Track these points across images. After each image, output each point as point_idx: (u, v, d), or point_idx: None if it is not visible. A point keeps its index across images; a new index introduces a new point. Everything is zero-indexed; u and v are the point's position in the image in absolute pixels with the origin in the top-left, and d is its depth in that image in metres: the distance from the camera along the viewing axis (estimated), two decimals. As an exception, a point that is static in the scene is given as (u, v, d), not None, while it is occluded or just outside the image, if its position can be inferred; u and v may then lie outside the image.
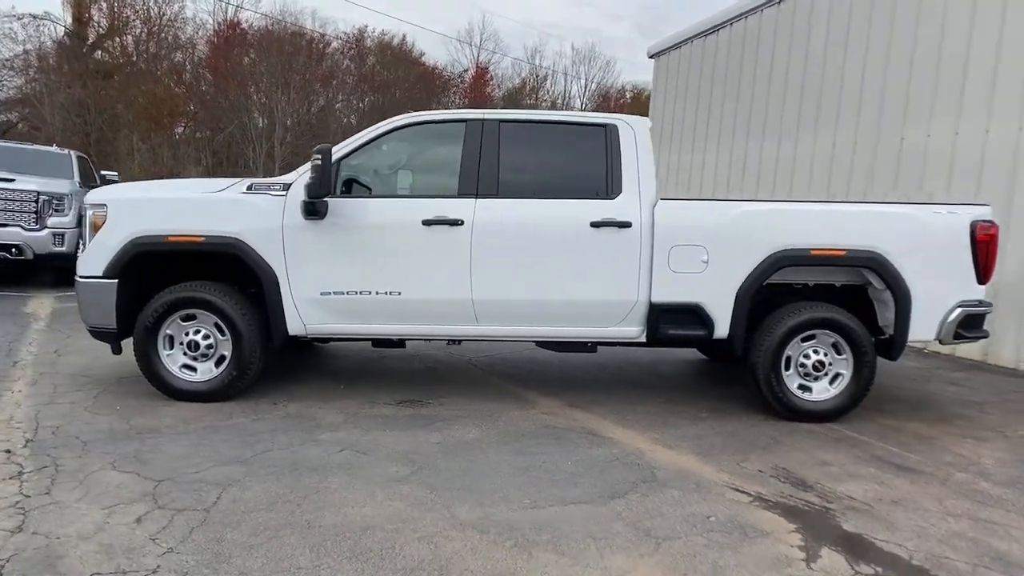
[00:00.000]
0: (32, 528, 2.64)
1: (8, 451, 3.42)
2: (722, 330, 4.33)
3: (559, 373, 5.50)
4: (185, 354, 4.32)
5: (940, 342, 4.43)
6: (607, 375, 5.50)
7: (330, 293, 4.27)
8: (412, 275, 4.26)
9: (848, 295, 4.61)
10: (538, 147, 4.42)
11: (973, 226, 4.29)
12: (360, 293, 4.27)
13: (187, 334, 4.31)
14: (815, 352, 4.36)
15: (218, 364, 4.34)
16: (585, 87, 41.20)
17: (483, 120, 4.38)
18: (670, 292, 4.29)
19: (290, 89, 27.97)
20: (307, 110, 29.72)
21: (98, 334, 4.38)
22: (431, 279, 4.27)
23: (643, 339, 4.44)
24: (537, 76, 39.57)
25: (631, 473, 3.41)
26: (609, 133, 4.39)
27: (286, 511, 2.86)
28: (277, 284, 4.22)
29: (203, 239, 4.19)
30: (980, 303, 4.36)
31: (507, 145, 4.33)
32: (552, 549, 2.62)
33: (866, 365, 4.33)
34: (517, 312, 4.33)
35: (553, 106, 39.70)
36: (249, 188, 4.27)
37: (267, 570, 2.41)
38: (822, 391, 4.39)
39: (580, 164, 4.39)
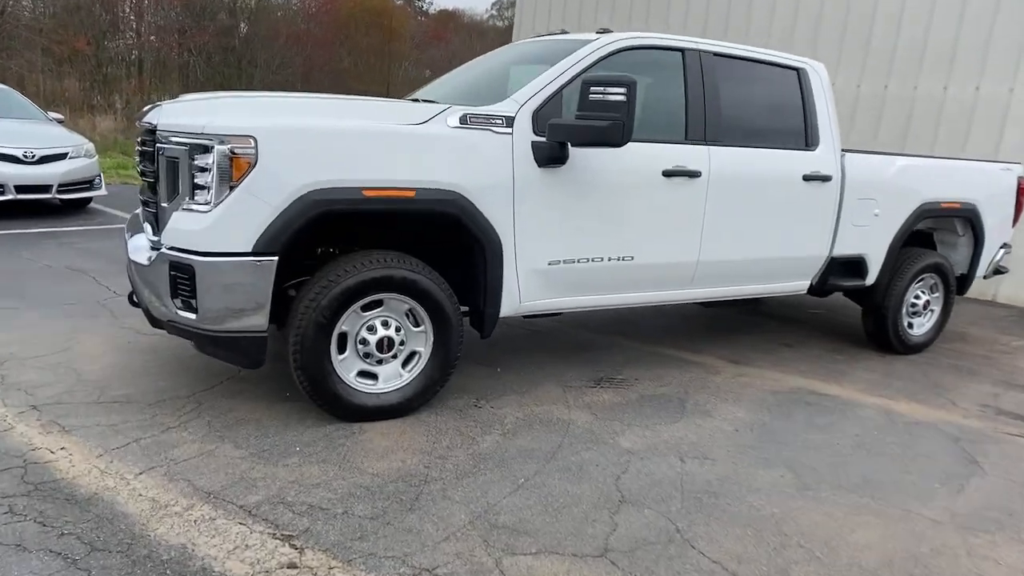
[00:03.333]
0: None
1: (293, 566, 2.07)
2: (871, 278, 4.57)
3: (653, 325, 5.16)
4: (367, 357, 3.03)
5: (984, 277, 5.34)
6: (691, 323, 5.35)
7: (559, 262, 3.35)
8: (647, 236, 3.56)
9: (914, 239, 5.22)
10: (745, 87, 3.93)
11: (1019, 181, 5.16)
12: (592, 260, 3.43)
13: (371, 329, 3.01)
14: (923, 293, 4.90)
15: (405, 364, 3.15)
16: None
17: (700, 51, 3.71)
18: (846, 245, 4.35)
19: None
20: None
21: (229, 343, 2.77)
22: (664, 239, 3.63)
23: (805, 291, 4.47)
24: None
25: (933, 433, 3.49)
26: (801, 77, 4.12)
27: (799, 552, 2.32)
28: (502, 253, 3.16)
29: (415, 193, 2.89)
30: (1008, 244, 5.33)
31: (723, 83, 3.77)
32: (1057, 534, 2.62)
33: (951, 302, 5.02)
34: (730, 272, 3.96)
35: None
36: (463, 120, 3.01)
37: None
38: (920, 326, 4.98)
39: (781, 110, 4.06)
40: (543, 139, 3.14)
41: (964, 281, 5.12)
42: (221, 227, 2.64)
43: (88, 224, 7.39)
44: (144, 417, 2.99)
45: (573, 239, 3.35)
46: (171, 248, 2.73)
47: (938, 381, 4.39)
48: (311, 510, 2.37)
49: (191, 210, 2.71)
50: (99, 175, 7.93)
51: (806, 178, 4.01)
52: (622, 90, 2.90)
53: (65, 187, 7.42)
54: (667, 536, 2.38)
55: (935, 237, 5.23)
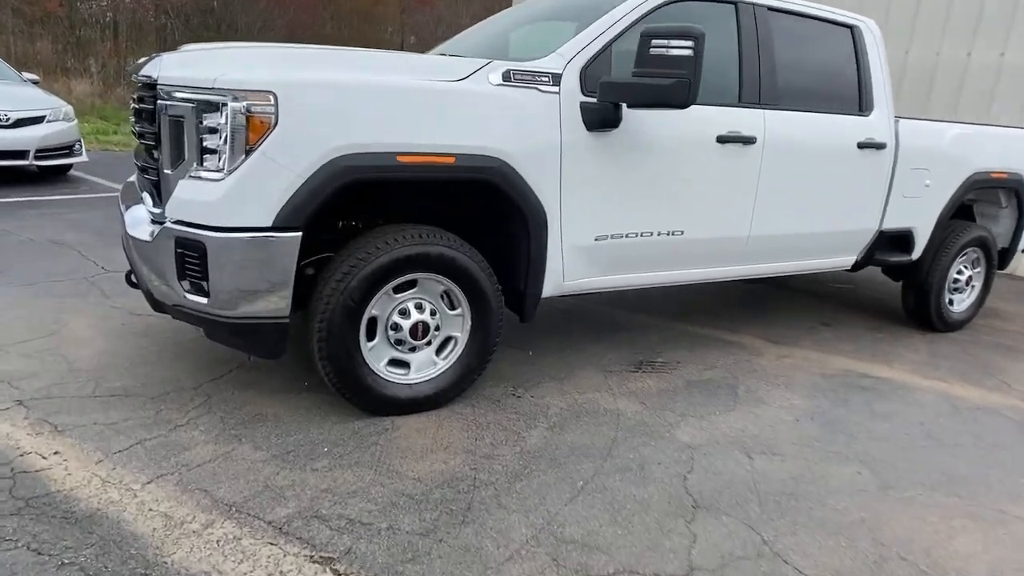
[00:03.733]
0: None
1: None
2: (917, 253, 4.30)
3: (679, 301, 4.85)
4: (398, 343, 2.71)
5: (1023, 252, 5.11)
6: (719, 300, 5.02)
7: (606, 237, 3.03)
8: (697, 208, 3.25)
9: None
10: (799, 46, 3.57)
11: (1060, 148, 4.89)
12: (640, 235, 3.12)
13: (403, 313, 2.68)
14: (966, 268, 4.65)
15: (439, 351, 2.84)
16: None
17: (753, 4, 3.36)
18: (896, 218, 4.07)
19: None
20: None
21: (246, 331, 2.43)
22: (715, 212, 3.32)
23: (849, 267, 4.21)
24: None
25: (1000, 421, 3.25)
26: (855, 35, 3.78)
27: (902, 567, 2.07)
28: (546, 228, 2.83)
29: (455, 160, 2.54)
30: (1044, 216, 5.09)
31: (777, 40, 3.43)
32: None
33: (992, 277, 4.79)
34: (780, 247, 3.67)
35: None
36: (506, 77, 2.65)
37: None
38: (960, 303, 4.74)
39: (835, 71, 3.73)
40: (593, 100, 2.79)
41: (1005, 255, 4.88)
42: (236, 198, 2.28)
43: (70, 193, 6.91)
44: (147, 413, 2.66)
45: (622, 212, 3.03)
46: (177, 222, 2.37)
47: (985, 361, 4.17)
48: (351, 525, 2.08)
49: (200, 178, 2.34)
50: (79, 140, 7.40)
51: (860, 146, 3.70)
52: (689, 43, 2.54)
53: (43, 153, 6.90)
54: (755, 549, 2.12)
55: (975, 209, 4.97)
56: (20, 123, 6.75)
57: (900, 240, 4.20)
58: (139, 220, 2.59)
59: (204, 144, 2.32)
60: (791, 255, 3.75)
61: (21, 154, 6.74)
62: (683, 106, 2.63)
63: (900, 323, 4.71)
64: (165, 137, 2.42)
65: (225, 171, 2.29)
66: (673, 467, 2.56)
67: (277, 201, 2.29)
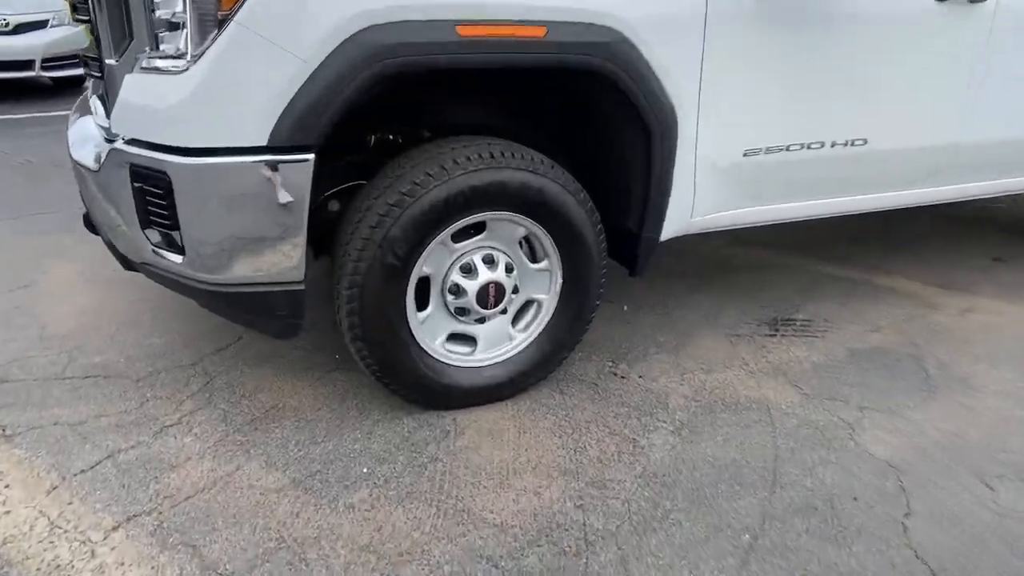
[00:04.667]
0: None
1: None
2: None
3: (795, 227, 3.83)
4: (460, 313, 1.90)
5: None
6: (843, 224, 3.97)
7: (759, 151, 2.08)
8: (891, 106, 2.24)
9: None
10: None
11: None
12: (808, 147, 2.15)
13: (467, 270, 1.86)
14: None
15: (516, 320, 2.02)
16: None
17: None
18: None
19: None
20: None
21: (243, 301, 1.66)
22: (915, 111, 2.29)
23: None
24: None
25: None
26: None
27: None
28: (676, 138, 1.91)
29: (545, 32, 1.62)
30: None
31: None
32: None
33: None
34: (994, 159, 2.61)
35: None
36: None
37: None
38: None
39: None
40: (760, -69, 1.79)
41: None
42: (208, 100, 1.43)
43: (85, 108, 6.21)
44: (128, 405, 1.96)
45: (785, 113, 2.05)
46: (131, 142, 1.56)
47: None
48: None
49: (156, 70, 1.50)
50: (91, 47, 6.60)
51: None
52: None
53: (50, 62, 6.14)
54: None
55: None
56: (21, 28, 5.95)
57: None
58: (86, 137, 1.79)
59: (156, 14, 1.46)
60: (1005, 170, 2.70)
61: (27, 64, 5.99)
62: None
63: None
64: (101, 6, 1.57)
65: (189, 56, 1.43)
66: (879, 505, 1.72)
67: (272, 105, 1.44)
